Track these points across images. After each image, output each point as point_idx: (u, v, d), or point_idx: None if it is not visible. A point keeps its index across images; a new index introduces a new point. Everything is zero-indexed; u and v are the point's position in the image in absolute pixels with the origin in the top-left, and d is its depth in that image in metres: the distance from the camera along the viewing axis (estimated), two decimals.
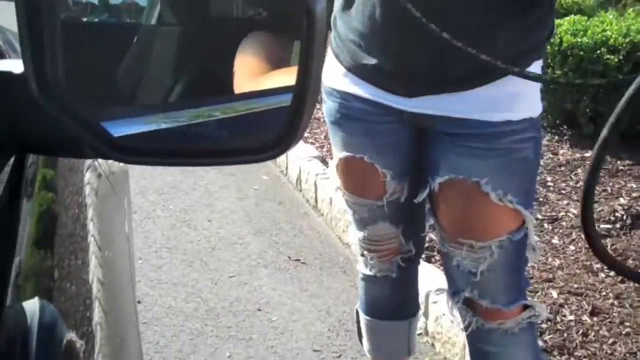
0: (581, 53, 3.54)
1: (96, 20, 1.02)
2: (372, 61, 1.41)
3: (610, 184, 3.44)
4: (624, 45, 3.50)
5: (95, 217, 1.04)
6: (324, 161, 4.00)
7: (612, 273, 2.72)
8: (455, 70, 1.35)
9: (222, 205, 3.80)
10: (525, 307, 1.55)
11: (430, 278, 2.58)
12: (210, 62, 0.98)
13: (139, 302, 2.63)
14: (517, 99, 1.39)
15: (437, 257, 2.82)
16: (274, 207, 3.81)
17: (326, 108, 1.57)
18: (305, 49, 0.73)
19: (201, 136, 0.80)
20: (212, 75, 0.96)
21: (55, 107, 0.68)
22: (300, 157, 3.98)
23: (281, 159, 4.14)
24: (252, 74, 0.93)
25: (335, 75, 1.51)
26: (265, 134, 0.79)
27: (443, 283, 2.35)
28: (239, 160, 0.81)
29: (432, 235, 2.01)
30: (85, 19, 1.00)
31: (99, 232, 1.02)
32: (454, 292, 1.59)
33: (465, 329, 1.61)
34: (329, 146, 4.21)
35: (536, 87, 1.44)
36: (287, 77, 0.89)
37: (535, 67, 1.41)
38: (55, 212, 0.89)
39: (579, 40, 3.56)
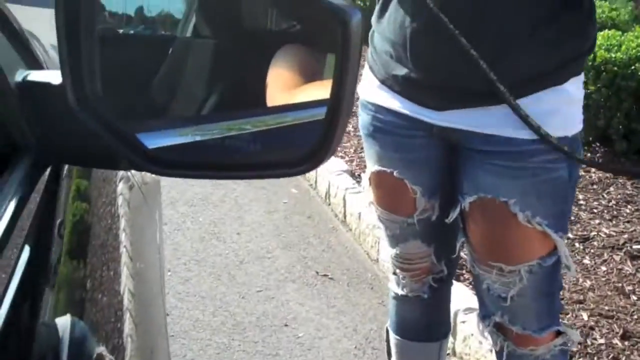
0: (615, 69, 3.50)
1: (132, 32, 1.03)
2: (403, 71, 1.40)
3: None
4: None
5: (128, 228, 1.05)
6: (353, 175, 3.99)
7: None
8: (484, 83, 1.32)
9: (252, 218, 3.81)
10: (558, 333, 1.52)
11: (459, 297, 2.54)
12: (244, 74, 0.98)
13: (167, 314, 2.63)
14: (551, 116, 1.34)
15: (467, 276, 2.79)
16: (303, 221, 3.80)
17: (360, 121, 1.57)
18: (340, 63, 0.73)
19: (234, 149, 0.80)
20: (245, 88, 0.96)
21: (92, 119, 0.68)
22: (329, 171, 3.98)
23: (310, 172, 4.14)
24: (285, 87, 0.93)
25: (369, 88, 1.51)
26: (298, 147, 0.79)
27: (472, 302, 2.33)
28: (272, 174, 0.81)
29: (462, 254, 1.99)
30: (121, 31, 1.01)
31: (130, 243, 1.02)
32: (484, 315, 1.56)
33: (497, 353, 1.58)
34: (358, 160, 4.20)
35: (575, 104, 1.39)
36: (320, 90, 0.89)
37: (574, 84, 1.38)
38: (88, 222, 0.89)
39: (613, 55, 3.52)
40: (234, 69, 0.99)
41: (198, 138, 0.82)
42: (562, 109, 1.36)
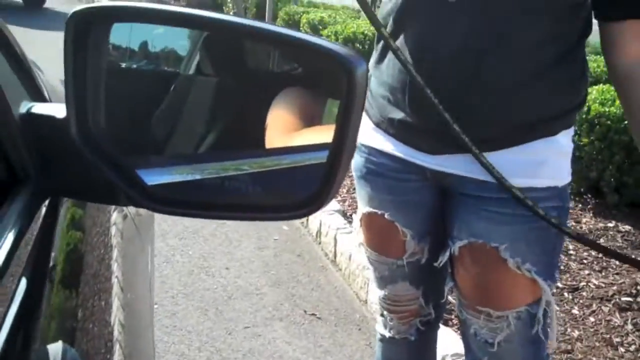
0: (608, 122, 3.54)
1: (135, 66, 1.03)
2: (400, 115, 1.41)
3: (633, 256, 3.40)
4: None
5: (120, 259, 1.05)
6: (345, 215, 3.99)
7: (632, 348, 2.66)
8: (478, 130, 1.35)
9: (241, 254, 3.80)
10: None
11: (447, 342, 2.54)
12: (244, 115, 0.98)
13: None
14: (542, 166, 1.37)
15: (455, 321, 2.78)
16: (293, 259, 3.79)
17: (353, 162, 1.58)
18: (344, 110, 0.74)
19: (233, 190, 0.81)
20: (245, 129, 0.96)
21: (94, 154, 0.69)
22: (321, 210, 3.98)
23: None
24: (285, 129, 0.94)
25: (364, 130, 1.52)
26: (297, 191, 0.79)
27: (459, 348, 2.32)
28: (270, 217, 0.81)
29: (450, 298, 1.98)
30: (123, 65, 1.02)
31: (122, 273, 1.02)
32: None
33: None
34: (350, 200, 4.21)
35: (565, 155, 1.42)
36: (320, 135, 0.89)
37: (564, 136, 1.41)
38: (81, 251, 0.89)
39: (607, 109, 3.56)
40: (234, 108, 0.99)
41: (197, 176, 0.83)
42: (553, 159, 1.38)
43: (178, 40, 1.06)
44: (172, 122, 0.99)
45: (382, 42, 1.46)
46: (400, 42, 1.37)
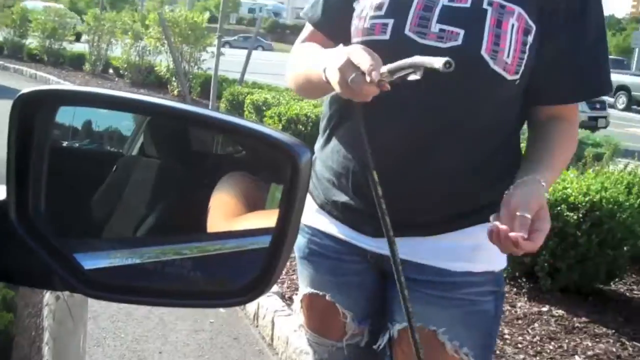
0: None
1: (77, 145, 1.02)
2: (343, 198, 1.43)
3: (566, 340, 3.44)
4: (584, 203, 3.61)
5: (51, 341, 1.01)
6: (283, 298, 3.96)
7: None
8: (420, 216, 1.37)
9: (176, 337, 3.70)
10: None
11: None
12: (187, 198, 0.98)
13: None
14: (479, 251, 1.40)
15: None
16: (229, 343, 3.71)
17: (296, 243, 1.58)
18: (287, 196, 0.75)
19: (174, 275, 0.79)
20: (187, 212, 0.95)
21: (32, 238, 0.67)
22: (263, 295, 3.92)
23: None
24: (228, 214, 0.94)
25: (307, 212, 1.53)
26: (239, 276, 0.78)
27: None
28: (212, 304, 0.80)
29: None
30: (66, 144, 1.01)
31: (53, 357, 0.99)
32: None
33: None
34: (289, 282, 4.17)
35: None
36: (262, 219, 0.89)
37: None
38: (11, 334, 0.86)
39: None
40: (177, 191, 0.99)
41: (137, 260, 0.81)
42: (489, 244, 1.41)
43: (122, 120, 1.06)
44: (113, 204, 0.98)
45: (328, 128, 1.48)
46: (348, 126, 1.40)
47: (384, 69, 1.12)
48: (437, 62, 1.04)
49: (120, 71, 12.68)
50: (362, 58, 1.13)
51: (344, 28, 1.39)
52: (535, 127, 1.40)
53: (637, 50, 31.82)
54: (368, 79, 1.11)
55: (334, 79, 1.17)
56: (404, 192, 1.34)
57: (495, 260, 1.43)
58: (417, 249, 1.38)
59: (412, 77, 1.11)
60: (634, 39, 31.22)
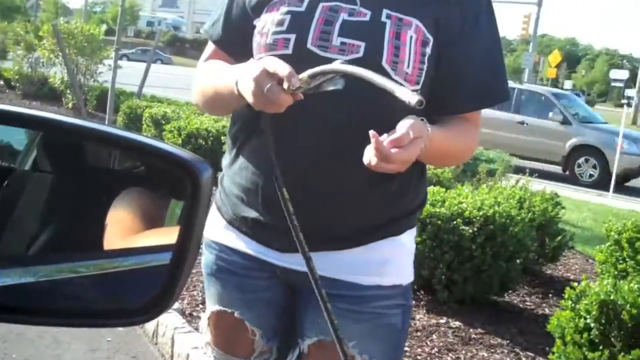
0: (439, 222, 3.73)
1: None
2: (253, 214, 1.42)
3: (463, 351, 3.53)
4: (478, 217, 3.72)
5: None
6: (183, 314, 3.89)
7: None
8: (329, 230, 1.38)
9: (71, 356, 3.57)
10: None
11: None
12: (82, 214, 0.95)
13: None
14: (388, 264, 1.42)
15: None
16: None
17: (204, 260, 1.55)
18: (188, 213, 0.74)
19: (68, 294, 0.77)
20: (83, 229, 0.92)
21: None
22: (164, 313, 3.84)
23: None
24: (126, 231, 0.91)
25: (215, 228, 1.51)
26: (138, 295, 0.77)
27: None
28: (110, 323, 0.78)
29: None
30: None
31: None
32: None
33: None
34: (190, 299, 4.11)
35: (408, 255, 1.48)
36: (161, 237, 0.88)
37: (409, 236, 1.46)
38: None
39: (437, 210, 3.76)
40: (72, 207, 0.96)
41: (30, 280, 0.78)
42: (398, 258, 1.44)
43: (14, 134, 1.02)
44: (3, 220, 0.94)
45: (235, 145, 1.47)
46: (255, 143, 1.39)
47: (305, 74, 1.12)
48: (404, 94, 1.03)
49: (12, 83, 12.22)
50: (279, 65, 1.14)
51: (244, 46, 1.39)
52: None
53: (527, 70, 33.22)
54: (286, 85, 1.12)
55: (249, 90, 1.17)
56: (312, 206, 1.35)
57: (404, 274, 1.46)
58: (327, 264, 1.39)
59: (331, 88, 1.12)
60: (524, 59, 32.58)
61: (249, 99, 1.18)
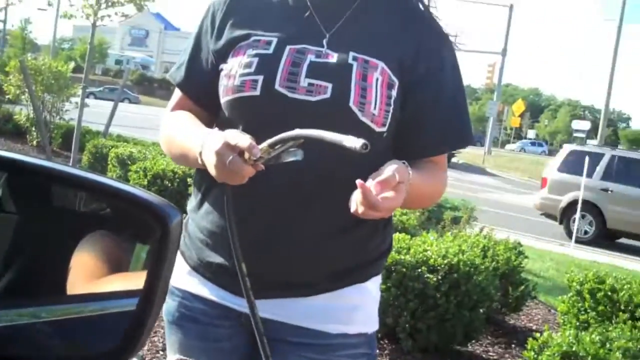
0: (404, 270, 3.72)
1: None
2: (218, 259, 1.40)
3: None
4: (442, 265, 3.72)
5: None
6: None
7: None
8: (295, 277, 1.36)
9: None
10: None
11: None
12: (45, 257, 0.93)
13: None
14: (354, 312, 1.40)
15: None
16: None
17: (165, 307, 1.52)
18: (157, 258, 0.73)
19: (27, 341, 0.75)
20: (45, 272, 0.91)
21: None
22: None
23: None
24: (90, 275, 0.89)
25: (179, 274, 1.48)
26: (102, 342, 0.75)
27: None
28: None
29: None
30: None
31: None
32: None
33: None
34: (150, 345, 4.02)
35: (374, 302, 1.46)
36: (126, 282, 0.86)
37: (374, 283, 1.45)
38: None
39: (402, 257, 3.76)
40: (35, 249, 0.94)
41: None
42: (364, 306, 1.43)
43: None
44: None
45: (200, 190, 1.46)
46: (219, 189, 1.38)
47: (264, 144, 1.13)
48: (350, 142, 1.04)
49: None
50: (240, 138, 1.14)
51: (207, 90, 1.39)
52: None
53: (491, 119, 33.80)
54: (247, 156, 1.12)
55: (211, 163, 1.17)
56: (280, 253, 1.34)
57: (369, 322, 1.44)
58: (293, 311, 1.37)
59: (290, 159, 1.13)
60: (488, 108, 33.17)
61: (212, 171, 1.18)
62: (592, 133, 39.09)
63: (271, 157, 1.12)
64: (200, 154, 1.21)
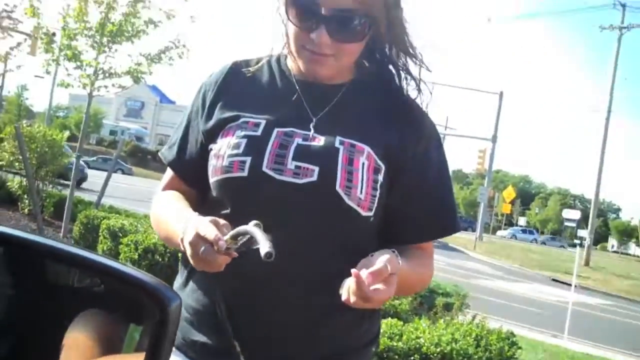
0: (396, 357, 3.66)
1: None
2: (202, 338, 1.38)
3: None
4: (435, 354, 3.66)
5: None
6: None
7: None
8: (282, 352, 1.32)
9: None
10: None
11: None
12: (37, 334, 0.91)
13: None
14: None
15: None
16: None
17: None
18: (155, 341, 0.71)
19: None
20: (37, 351, 0.89)
21: None
22: None
23: None
24: (83, 355, 0.87)
25: None
26: None
27: None
28: None
29: None
30: None
31: None
32: None
33: None
34: None
35: None
36: None
37: None
38: None
39: (395, 344, 3.70)
40: (26, 327, 0.92)
41: None
42: None
43: None
44: None
45: (186, 269, 1.45)
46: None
47: (227, 235, 1.14)
48: (263, 247, 1.07)
49: None
50: (208, 229, 1.15)
51: (198, 170, 1.40)
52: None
53: (482, 204, 34.01)
54: (215, 248, 1.13)
55: (188, 253, 1.18)
56: (266, 335, 1.31)
57: None
58: None
59: (256, 247, 1.12)
60: (479, 194, 33.42)
61: (190, 260, 1.19)
62: (582, 223, 39.32)
63: (239, 246, 1.14)
64: (182, 240, 1.22)
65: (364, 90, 1.41)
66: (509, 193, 37.27)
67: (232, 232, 1.14)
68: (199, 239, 1.15)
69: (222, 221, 1.17)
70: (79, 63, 7.41)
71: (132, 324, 0.91)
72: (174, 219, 1.32)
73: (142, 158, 45.70)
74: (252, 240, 1.12)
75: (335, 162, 1.31)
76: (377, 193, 1.33)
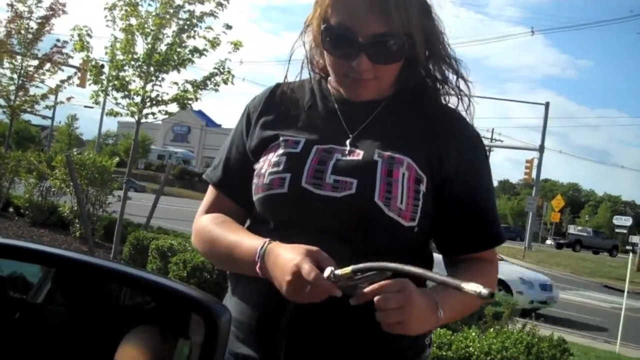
0: None
1: None
2: (247, 351, 1.38)
3: None
4: None
5: None
6: None
7: None
8: None
9: None
10: None
11: None
12: (92, 350, 0.94)
13: None
14: None
15: None
16: None
17: None
18: (206, 353, 0.73)
19: None
20: None
21: None
22: None
23: None
24: None
25: None
26: None
27: None
28: None
29: None
30: None
31: None
32: None
33: None
34: None
35: None
36: None
37: None
38: None
39: (444, 353, 3.68)
40: (81, 343, 0.95)
41: None
42: None
43: (28, 267, 1.02)
44: (12, 352, 0.94)
45: (234, 281, 1.46)
46: (250, 280, 1.39)
47: (348, 268, 1.13)
48: (477, 288, 1.02)
49: (21, 210, 12.33)
50: (322, 259, 1.16)
51: (242, 188, 1.42)
52: (452, 263, 1.42)
53: (530, 214, 33.44)
54: (327, 273, 1.13)
55: (287, 292, 1.19)
56: (310, 342, 1.32)
57: None
58: None
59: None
60: (527, 203, 32.87)
61: (287, 295, 1.19)
62: (634, 229, 38.39)
63: (349, 285, 1.14)
64: (259, 267, 1.24)
65: (403, 103, 1.43)
66: (558, 202, 36.60)
67: (353, 267, 1.14)
68: (300, 281, 1.16)
69: (322, 256, 1.18)
70: (126, 92, 7.53)
71: (182, 339, 0.94)
72: (238, 243, 1.34)
73: (189, 180, 45.94)
74: (374, 276, 1.13)
75: (373, 174, 1.32)
76: (420, 202, 1.33)
